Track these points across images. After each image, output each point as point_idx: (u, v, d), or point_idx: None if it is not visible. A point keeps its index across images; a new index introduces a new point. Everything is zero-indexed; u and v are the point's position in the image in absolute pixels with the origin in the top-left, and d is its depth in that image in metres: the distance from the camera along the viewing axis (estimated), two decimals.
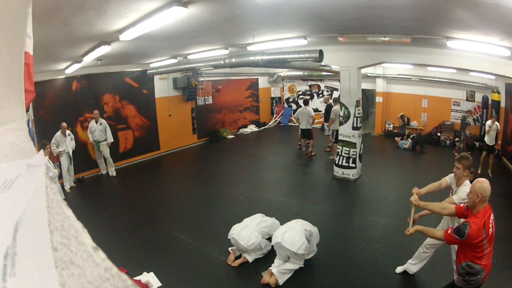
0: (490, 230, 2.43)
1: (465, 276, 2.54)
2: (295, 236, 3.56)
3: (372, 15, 3.71)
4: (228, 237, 4.02)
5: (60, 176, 6.57)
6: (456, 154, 8.74)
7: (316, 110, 12.81)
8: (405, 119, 10.93)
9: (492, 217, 2.47)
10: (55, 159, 6.63)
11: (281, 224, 4.07)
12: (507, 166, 7.81)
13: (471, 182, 5.28)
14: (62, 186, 6.75)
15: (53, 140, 6.47)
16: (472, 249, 2.44)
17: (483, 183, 2.40)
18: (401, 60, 6.76)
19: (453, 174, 3.22)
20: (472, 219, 2.42)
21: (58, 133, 6.60)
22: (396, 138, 10.22)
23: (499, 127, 7.42)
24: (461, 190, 3.06)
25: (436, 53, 5.89)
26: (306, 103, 9.19)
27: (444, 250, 3.49)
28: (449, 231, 2.48)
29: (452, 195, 3.21)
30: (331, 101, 10.18)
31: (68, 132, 6.79)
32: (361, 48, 6.29)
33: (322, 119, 11.70)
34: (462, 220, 3.24)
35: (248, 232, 3.87)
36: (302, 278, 3.66)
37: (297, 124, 9.45)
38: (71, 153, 6.85)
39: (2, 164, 0.52)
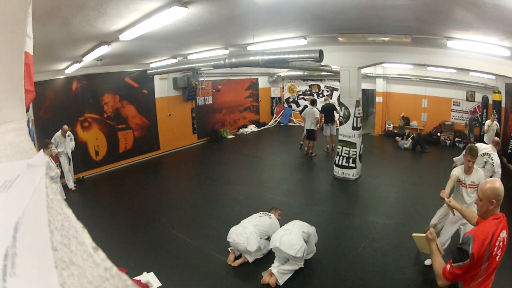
0: (495, 251, 1.85)
1: None
2: (293, 239, 3.55)
3: (372, 15, 3.71)
4: (227, 240, 4.02)
5: (62, 176, 6.57)
6: None
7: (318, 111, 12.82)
8: (405, 119, 10.95)
9: (503, 235, 1.89)
10: (56, 159, 6.63)
11: (280, 224, 4.07)
12: (507, 166, 7.81)
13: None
14: (65, 186, 6.76)
15: (52, 140, 6.45)
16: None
17: (495, 183, 1.90)
18: (401, 60, 6.76)
19: (458, 168, 3.49)
20: (480, 227, 1.93)
21: (58, 133, 6.59)
22: (397, 138, 10.21)
23: (498, 126, 7.43)
24: (480, 174, 3.38)
25: (436, 53, 5.89)
26: (313, 103, 9.17)
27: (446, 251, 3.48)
28: (447, 267, 1.90)
29: (466, 187, 3.41)
30: (330, 100, 10.17)
31: (68, 133, 6.78)
32: (361, 48, 6.29)
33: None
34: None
35: (246, 235, 3.86)
36: (302, 278, 3.66)
37: (297, 124, 9.43)
38: (70, 154, 6.83)
39: (2, 164, 0.52)
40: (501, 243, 1.88)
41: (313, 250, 3.96)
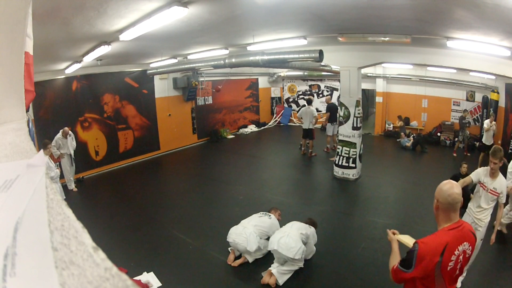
0: (450, 266, 1.66)
1: None
2: (291, 242, 3.55)
3: (372, 15, 3.71)
4: (227, 240, 4.02)
5: (62, 176, 6.55)
6: (455, 155, 8.74)
7: (316, 110, 12.82)
8: (405, 120, 10.94)
9: (464, 248, 1.69)
10: (55, 159, 6.61)
11: (280, 224, 4.07)
12: (507, 166, 7.80)
13: (466, 175, 5.31)
14: (65, 186, 6.73)
15: (53, 143, 6.33)
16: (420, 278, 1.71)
17: (445, 185, 1.71)
18: (401, 60, 6.76)
19: (480, 170, 3.36)
20: (429, 237, 1.71)
21: (59, 135, 6.49)
22: (402, 134, 10.19)
23: (495, 126, 7.44)
24: (503, 183, 3.20)
25: (436, 53, 5.89)
26: (309, 102, 9.18)
27: None
28: (395, 266, 1.77)
29: (486, 191, 3.27)
30: (332, 101, 10.18)
31: (69, 132, 6.68)
32: (361, 48, 6.29)
33: (322, 119, 11.69)
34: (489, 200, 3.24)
35: (246, 235, 3.86)
36: (302, 278, 3.66)
37: (297, 124, 9.43)
38: (73, 154, 6.75)
39: (2, 164, 0.52)
40: (461, 257, 1.68)
41: (313, 250, 3.96)
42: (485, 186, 3.27)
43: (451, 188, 1.67)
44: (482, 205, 3.31)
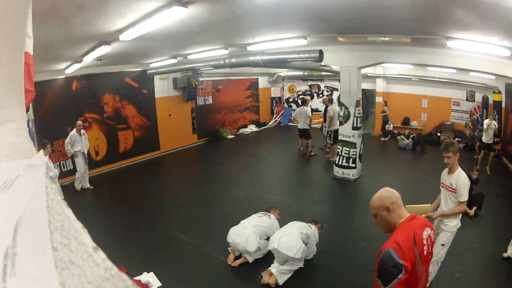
0: (425, 250, 1.71)
1: None
2: (291, 241, 3.54)
3: (372, 15, 3.71)
4: (227, 240, 4.02)
5: (61, 176, 6.53)
6: (477, 157, 8.38)
7: (316, 110, 12.82)
8: (386, 118, 10.88)
9: (428, 233, 1.75)
10: (55, 159, 6.60)
11: (280, 225, 4.07)
12: (507, 166, 7.81)
13: (475, 180, 5.16)
14: (64, 186, 6.71)
15: (67, 140, 6.29)
16: None
17: (379, 192, 1.85)
18: (401, 60, 6.76)
19: (444, 170, 3.24)
20: (391, 238, 1.71)
21: (74, 132, 6.40)
22: (398, 137, 10.21)
23: (496, 126, 7.41)
24: (461, 178, 3.01)
25: (436, 53, 5.89)
26: (303, 102, 9.21)
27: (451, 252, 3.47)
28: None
29: (445, 188, 3.17)
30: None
31: (82, 131, 6.60)
32: (361, 48, 6.29)
33: (321, 119, 11.68)
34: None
35: (245, 235, 3.86)
36: (302, 278, 3.66)
37: (297, 124, 9.45)
38: (86, 153, 6.67)
39: (2, 164, 0.52)
40: (428, 241, 1.75)
41: (314, 250, 3.95)
42: (444, 184, 3.20)
43: (389, 190, 1.83)
44: (443, 206, 3.19)
